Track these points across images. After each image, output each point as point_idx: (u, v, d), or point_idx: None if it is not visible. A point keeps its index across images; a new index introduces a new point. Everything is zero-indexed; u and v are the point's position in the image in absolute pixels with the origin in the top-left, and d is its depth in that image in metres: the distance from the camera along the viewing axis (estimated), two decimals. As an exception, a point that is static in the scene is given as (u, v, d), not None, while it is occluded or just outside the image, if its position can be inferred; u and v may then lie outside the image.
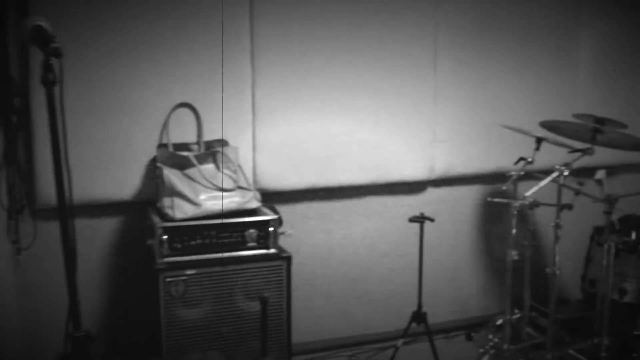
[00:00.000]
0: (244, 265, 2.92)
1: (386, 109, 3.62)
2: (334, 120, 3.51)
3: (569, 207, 3.45)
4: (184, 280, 2.82)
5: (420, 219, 3.22)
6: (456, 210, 3.96)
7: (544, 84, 4.02)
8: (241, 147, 3.27)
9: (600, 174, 3.74)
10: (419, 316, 3.32)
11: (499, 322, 3.56)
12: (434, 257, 3.91)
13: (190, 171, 3.04)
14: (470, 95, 3.83)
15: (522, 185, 3.38)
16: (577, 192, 3.44)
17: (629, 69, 4.28)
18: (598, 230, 3.70)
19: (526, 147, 3.39)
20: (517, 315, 3.64)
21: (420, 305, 3.33)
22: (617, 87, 4.27)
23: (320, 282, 3.71)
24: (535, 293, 3.62)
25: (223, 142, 3.24)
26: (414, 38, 3.63)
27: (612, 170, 4.08)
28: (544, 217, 3.78)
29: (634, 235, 3.24)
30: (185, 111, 3.21)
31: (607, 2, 4.19)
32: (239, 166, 3.19)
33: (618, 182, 4.06)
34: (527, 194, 3.22)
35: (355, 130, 3.56)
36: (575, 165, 3.19)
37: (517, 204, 3.33)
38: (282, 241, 3.07)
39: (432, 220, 3.25)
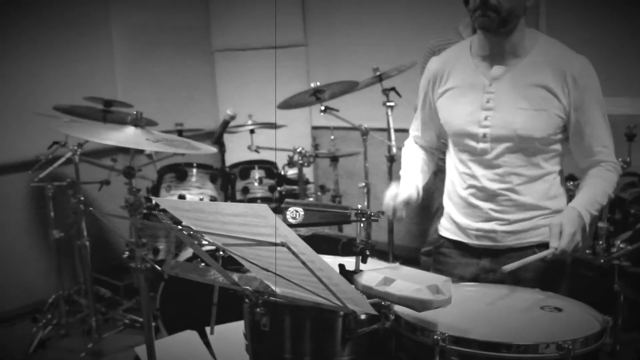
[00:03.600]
0: None
1: None
2: None
3: (107, 182, 3.82)
4: None
5: None
6: (3, 200, 4.00)
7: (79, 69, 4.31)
8: None
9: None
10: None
11: (52, 298, 3.76)
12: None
13: None
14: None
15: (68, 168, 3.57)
16: (112, 168, 3.83)
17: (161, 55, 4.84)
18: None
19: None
20: (75, 289, 3.91)
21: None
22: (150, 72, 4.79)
23: None
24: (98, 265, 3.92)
25: None
26: None
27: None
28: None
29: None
30: None
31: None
32: None
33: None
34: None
35: None
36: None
37: (49, 185, 3.55)
38: None
39: None
